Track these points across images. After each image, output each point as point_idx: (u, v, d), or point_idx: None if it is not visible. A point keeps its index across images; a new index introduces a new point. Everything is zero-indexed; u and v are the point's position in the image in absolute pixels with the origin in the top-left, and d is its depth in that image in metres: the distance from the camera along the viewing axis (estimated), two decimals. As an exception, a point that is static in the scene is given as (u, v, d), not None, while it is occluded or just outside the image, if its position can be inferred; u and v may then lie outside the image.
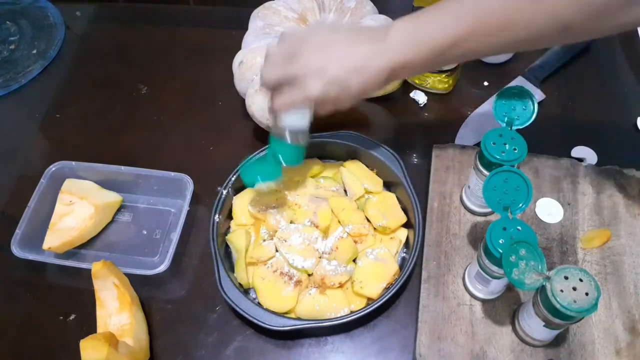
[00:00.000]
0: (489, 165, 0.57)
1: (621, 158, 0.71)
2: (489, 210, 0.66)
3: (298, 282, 0.62)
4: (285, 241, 0.63)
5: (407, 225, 0.67)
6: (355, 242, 0.64)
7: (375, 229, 0.66)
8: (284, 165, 0.62)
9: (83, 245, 0.69)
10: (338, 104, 0.56)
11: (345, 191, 0.70)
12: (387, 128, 0.80)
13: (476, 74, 0.83)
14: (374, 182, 0.69)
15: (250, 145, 0.75)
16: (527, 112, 0.58)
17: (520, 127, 0.57)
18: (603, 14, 0.46)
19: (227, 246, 0.66)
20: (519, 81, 0.80)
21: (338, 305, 0.60)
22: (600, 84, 0.83)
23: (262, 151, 0.69)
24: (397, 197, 0.68)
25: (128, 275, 0.63)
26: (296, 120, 0.58)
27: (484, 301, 0.60)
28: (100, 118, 0.84)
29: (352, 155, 0.72)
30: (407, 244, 0.66)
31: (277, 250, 0.63)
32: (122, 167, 0.71)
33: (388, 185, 0.70)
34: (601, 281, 0.61)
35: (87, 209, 0.69)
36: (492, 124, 0.59)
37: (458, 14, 0.50)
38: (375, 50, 0.53)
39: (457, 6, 0.51)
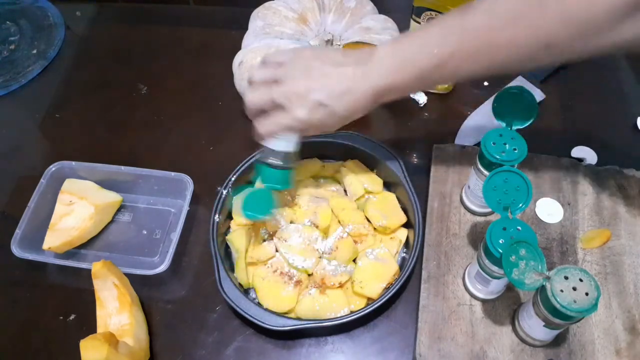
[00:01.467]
0: (489, 165, 0.57)
1: (621, 158, 0.71)
2: (489, 210, 0.66)
3: (298, 282, 0.62)
4: (285, 241, 0.63)
5: (407, 225, 0.67)
6: (355, 242, 0.64)
7: (375, 229, 0.66)
8: (273, 189, 0.60)
9: (83, 245, 0.69)
10: (323, 128, 0.55)
11: (345, 191, 0.70)
12: (387, 128, 0.79)
13: (476, 74, 0.83)
14: (374, 182, 0.69)
15: (250, 145, 0.74)
16: (527, 113, 0.58)
17: (520, 127, 0.57)
18: (590, 31, 0.43)
19: (227, 246, 0.66)
20: (519, 81, 0.80)
21: (338, 305, 0.60)
22: (600, 84, 0.83)
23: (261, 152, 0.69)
24: (397, 197, 0.68)
25: (128, 275, 0.63)
26: (283, 145, 0.57)
27: (484, 301, 0.60)
28: (100, 118, 0.84)
29: (352, 155, 0.71)
30: (407, 244, 0.66)
31: (277, 250, 0.63)
32: (122, 167, 0.71)
33: (388, 185, 0.70)
34: (601, 281, 0.61)
35: (87, 209, 0.69)
36: (492, 124, 0.59)
37: (441, 35, 0.49)
38: (359, 73, 0.52)
39: (441, 28, 0.50)
